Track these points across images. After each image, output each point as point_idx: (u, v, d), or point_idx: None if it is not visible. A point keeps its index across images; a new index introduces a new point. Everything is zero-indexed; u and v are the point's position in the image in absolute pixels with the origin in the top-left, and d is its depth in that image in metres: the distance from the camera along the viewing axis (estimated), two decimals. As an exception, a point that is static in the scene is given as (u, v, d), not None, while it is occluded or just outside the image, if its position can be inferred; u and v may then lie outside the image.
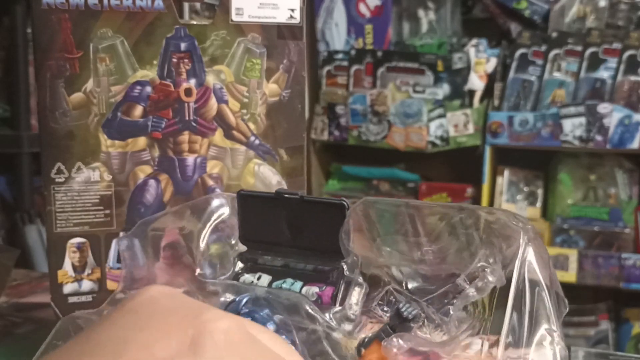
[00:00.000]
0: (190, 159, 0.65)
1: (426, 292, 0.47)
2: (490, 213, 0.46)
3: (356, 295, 0.47)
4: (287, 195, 0.50)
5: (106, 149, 0.63)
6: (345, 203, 0.47)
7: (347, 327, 0.46)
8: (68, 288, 0.63)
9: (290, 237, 0.50)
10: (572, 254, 2.01)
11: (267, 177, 0.67)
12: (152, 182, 0.64)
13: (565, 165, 2.14)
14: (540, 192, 2.20)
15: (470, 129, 2.11)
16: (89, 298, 0.64)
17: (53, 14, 0.60)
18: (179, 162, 0.65)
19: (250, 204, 0.52)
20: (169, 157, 0.64)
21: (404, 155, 2.22)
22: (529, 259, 0.43)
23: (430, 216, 0.47)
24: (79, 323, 0.45)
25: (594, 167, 2.12)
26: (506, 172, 2.17)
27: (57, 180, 0.62)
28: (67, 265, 0.63)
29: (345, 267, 0.48)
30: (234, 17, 0.65)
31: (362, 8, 2.29)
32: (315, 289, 0.47)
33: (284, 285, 0.49)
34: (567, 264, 2.00)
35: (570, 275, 1.99)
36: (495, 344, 0.44)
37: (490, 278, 0.44)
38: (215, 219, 0.56)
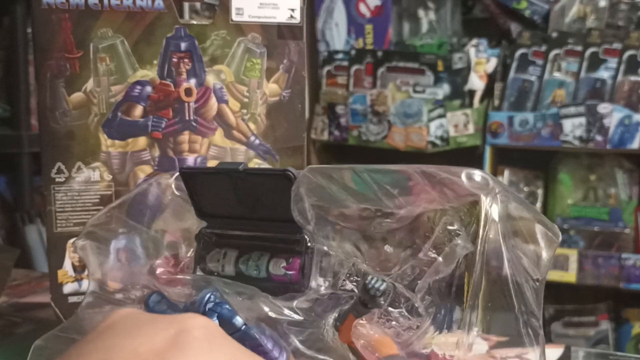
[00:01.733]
0: (190, 158, 0.65)
1: (391, 268, 0.44)
2: (449, 174, 0.42)
3: (324, 267, 0.46)
4: (230, 168, 0.48)
5: (106, 149, 0.63)
6: (290, 172, 0.45)
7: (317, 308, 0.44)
8: (68, 288, 0.63)
9: (246, 210, 0.49)
10: (572, 254, 2.00)
11: (267, 177, 0.67)
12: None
13: (565, 166, 2.14)
14: (540, 192, 2.20)
15: (471, 129, 2.11)
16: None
17: (53, 13, 0.60)
18: (179, 162, 0.65)
19: (197, 181, 0.50)
20: (169, 157, 0.64)
21: (404, 155, 2.22)
22: (494, 222, 0.40)
23: (382, 180, 0.43)
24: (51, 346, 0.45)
25: (594, 167, 2.12)
26: (506, 172, 2.17)
27: (57, 180, 0.62)
28: (67, 265, 0.63)
29: (307, 238, 0.46)
30: (234, 17, 0.65)
31: (362, 8, 2.29)
32: (282, 263, 0.47)
33: (250, 262, 0.48)
34: (567, 264, 2.00)
35: (570, 276, 1.99)
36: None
37: (458, 242, 0.41)
38: (167, 201, 0.54)
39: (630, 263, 1.96)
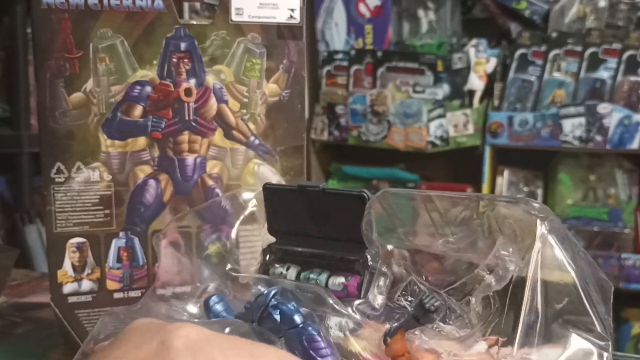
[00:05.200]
0: (190, 158, 0.65)
1: (446, 283, 0.48)
2: (508, 202, 0.47)
3: (381, 285, 0.49)
4: (309, 188, 0.52)
5: (106, 149, 0.63)
6: (365, 194, 0.48)
7: (372, 316, 0.47)
8: (68, 288, 0.63)
9: (315, 228, 0.52)
10: (572, 254, 2.00)
11: (267, 177, 0.67)
12: (151, 182, 0.64)
13: (565, 166, 2.14)
14: (540, 192, 2.20)
15: (470, 129, 2.11)
16: (89, 298, 0.64)
17: (53, 13, 0.60)
18: (178, 162, 0.65)
19: (275, 197, 0.54)
20: (169, 157, 0.65)
21: (404, 155, 2.22)
22: (546, 247, 0.43)
23: (448, 206, 0.48)
24: (121, 318, 0.47)
25: (594, 167, 2.12)
26: (506, 172, 2.17)
27: (57, 180, 0.62)
28: (67, 265, 0.63)
29: (369, 257, 0.49)
30: (234, 17, 0.65)
31: (362, 8, 2.29)
32: (341, 279, 0.49)
33: (311, 276, 0.51)
34: (567, 264, 2.00)
35: (569, 276, 1.99)
36: (502, 344, 0.45)
37: (509, 267, 0.45)
38: (245, 213, 0.58)
39: (630, 263, 1.96)
